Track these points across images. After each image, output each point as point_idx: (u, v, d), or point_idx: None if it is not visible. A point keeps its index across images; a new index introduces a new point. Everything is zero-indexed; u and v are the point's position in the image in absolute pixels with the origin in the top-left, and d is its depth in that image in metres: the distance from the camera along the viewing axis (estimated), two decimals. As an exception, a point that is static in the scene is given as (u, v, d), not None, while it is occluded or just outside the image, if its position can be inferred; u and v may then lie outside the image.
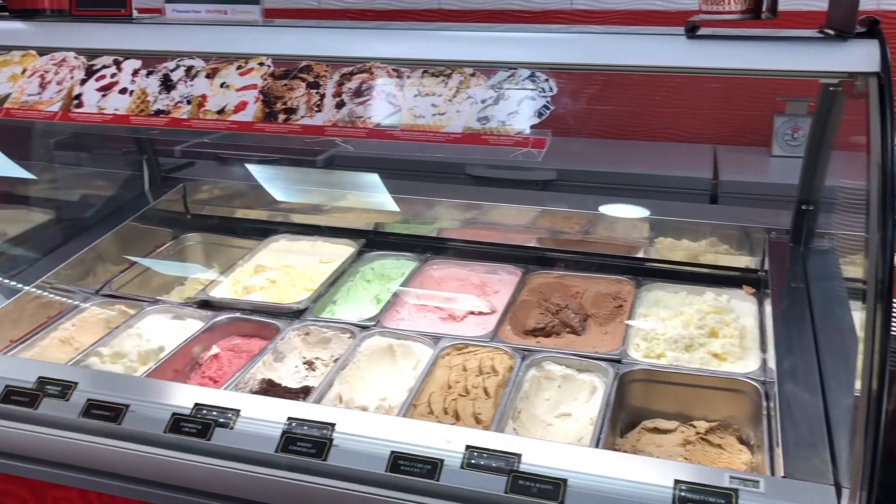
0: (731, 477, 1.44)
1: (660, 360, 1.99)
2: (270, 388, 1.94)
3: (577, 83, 1.75)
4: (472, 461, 1.52)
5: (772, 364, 1.84)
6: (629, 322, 2.14)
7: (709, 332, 2.07)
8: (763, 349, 1.99)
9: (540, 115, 1.61)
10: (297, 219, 2.77)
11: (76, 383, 1.78)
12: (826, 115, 2.03)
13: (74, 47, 2.03)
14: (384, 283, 2.46)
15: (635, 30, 1.76)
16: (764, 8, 1.57)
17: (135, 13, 2.12)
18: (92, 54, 2.01)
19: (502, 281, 2.44)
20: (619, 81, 2.03)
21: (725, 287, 2.28)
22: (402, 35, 1.96)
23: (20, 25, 2.13)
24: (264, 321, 2.23)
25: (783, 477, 1.46)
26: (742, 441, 1.82)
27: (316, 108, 1.73)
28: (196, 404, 1.70)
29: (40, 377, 1.80)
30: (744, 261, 2.36)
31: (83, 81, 1.95)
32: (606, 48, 1.73)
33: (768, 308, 2.08)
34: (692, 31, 1.62)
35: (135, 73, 1.93)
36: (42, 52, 2.05)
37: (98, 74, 1.95)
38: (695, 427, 1.83)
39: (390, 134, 1.68)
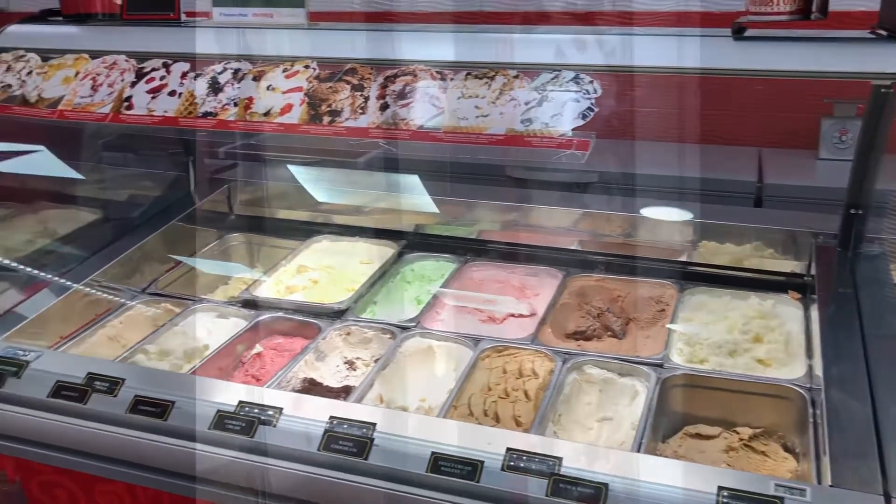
0: (777, 485, 1.41)
1: (703, 365, 1.97)
2: (312, 388, 1.97)
3: (620, 85, 1.73)
4: (513, 464, 1.51)
5: (818, 371, 1.80)
6: (672, 326, 2.11)
7: (753, 337, 2.04)
8: (809, 355, 1.95)
9: (584, 116, 1.60)
10: (339, 220, 2.79)
11: (124, 380, 1.82)
12: (877, 118, 1.98)
13: (125, 50, 2.07)
14: (424, 285, 2.47)
15: (680, 31, 1.74)
16: (814, 8, 1.55)
17: (183, 17, 2.16)
18: (142, 57, 2.05)
19: (543, 283, 2.44)
20: (663, 83, 2.01)
21: (770, 292, 2.24)
22: (444, 37, 1.97)
23: (73, 30, 2.19)
24: (306, 321, 2.25)
25: (830, 486, 1.44)
26: (787, 448, 1.79)
27: (360, 111, 1.75)
28: (240, 402, 1.72)
29: (89, 373, 1.84)
30: (789, 265, 2.31)
31: (133, 84, 2.00)
32: (651, 50, 1.71)
33: (815, 314, 2.04)
34: (739, 33, 1.60)
35: (183, 75, 1.97)
36: (94, 55, 2.10)
37: (148, 77, 1.99)
38: (738, 433, 1.81)
39: (434, 136, 1.68)
